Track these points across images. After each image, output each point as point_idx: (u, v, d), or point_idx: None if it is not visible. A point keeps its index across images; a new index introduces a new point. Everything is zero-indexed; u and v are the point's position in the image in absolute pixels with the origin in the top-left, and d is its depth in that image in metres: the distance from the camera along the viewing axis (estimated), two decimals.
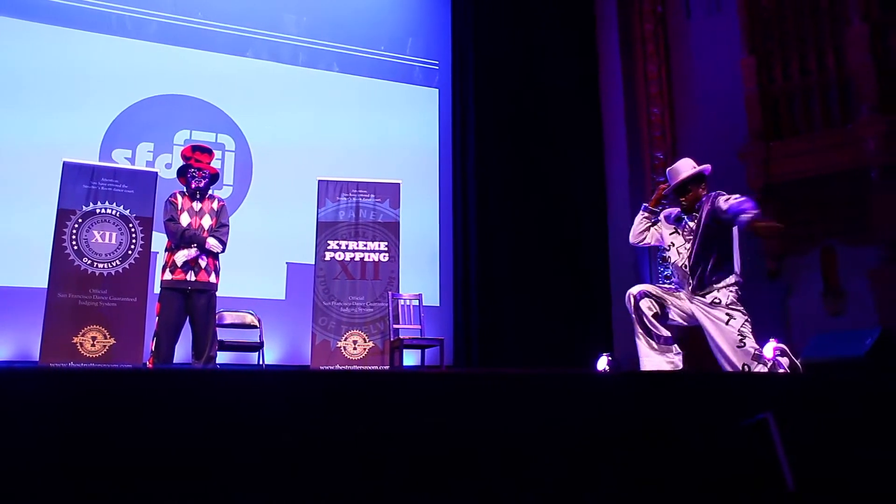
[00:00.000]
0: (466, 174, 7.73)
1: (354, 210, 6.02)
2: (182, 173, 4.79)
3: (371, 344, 5.80)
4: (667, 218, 3.93)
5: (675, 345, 3.84)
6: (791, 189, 6.44)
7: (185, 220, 4.64)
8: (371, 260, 5.95)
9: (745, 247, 3.75)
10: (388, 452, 1.77)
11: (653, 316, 3.76)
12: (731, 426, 2.01)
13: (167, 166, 6.49)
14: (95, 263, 5.08)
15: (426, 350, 6.04)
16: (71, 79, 6.39)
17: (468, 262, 7.48)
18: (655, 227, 3.96)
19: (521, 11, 8.04)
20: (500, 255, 7.49)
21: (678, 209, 3.88)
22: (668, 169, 3.95)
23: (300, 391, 1.84)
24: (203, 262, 4.60)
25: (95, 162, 5.76)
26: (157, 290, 4.76)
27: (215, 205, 4.77)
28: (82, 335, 4.94)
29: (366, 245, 5.97)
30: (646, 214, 3.97)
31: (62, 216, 5.08)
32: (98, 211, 5.18)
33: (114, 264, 5.14)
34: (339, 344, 5.73)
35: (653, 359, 3.75)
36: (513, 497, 1.82)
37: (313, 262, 5.93)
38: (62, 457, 1.49)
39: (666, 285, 4.02)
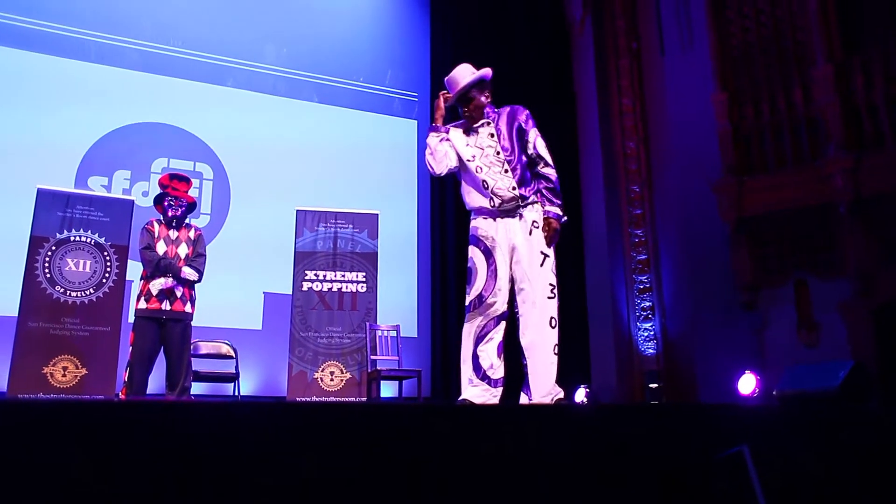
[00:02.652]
0: (445, 205, 7.77)
1: (332, 240, 6.01)
2: (159, 201, 4.75)
3: (348, 375, 5.75)
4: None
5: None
6: (763, 223, 6.56)
7: (161, 248, 4.60)
8: (349, 290, 5.93)
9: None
10: (365, 484, 1.75)
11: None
12: (707, 458, 2.02)
13: (144, 194, 6.45)
14: (68, 292, 5.01)
15: (404, 381, 6.00)
16: (48, 105, 6.35)
17: (446, 294, 7.48)
18: (448, 144, 3.43)
19: (499, 45, 8.17)
20: None
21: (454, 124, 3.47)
22: (445, 79, 3.49)
23: (276, 423, 1.82)
24: (179, 292, 4.55)
25: (71, 189, 5.70)
26: (131, 319, 4.70)
27: (192, 234, 4.74)
28: (53, 365, 4.85)
29: (343, 275, 5.95)
30: (439, 135, 3.41)
31: (35, 244, 5.02)
32: (72, 238, 5.12)
33: (87, 293, 5.07)
34: (316, 375, 5.68)
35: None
36: None
37: (291, 292, 5.90)
38: (27, 492, 1.45)
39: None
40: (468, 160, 3.38)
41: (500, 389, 3.28)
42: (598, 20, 8.29)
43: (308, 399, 5.54)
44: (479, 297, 3.27)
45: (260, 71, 7.35)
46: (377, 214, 6.20)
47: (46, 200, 5.12)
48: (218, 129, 7.00)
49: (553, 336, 3.24)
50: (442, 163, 3.40)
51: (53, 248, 5.05)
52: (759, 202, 6.53)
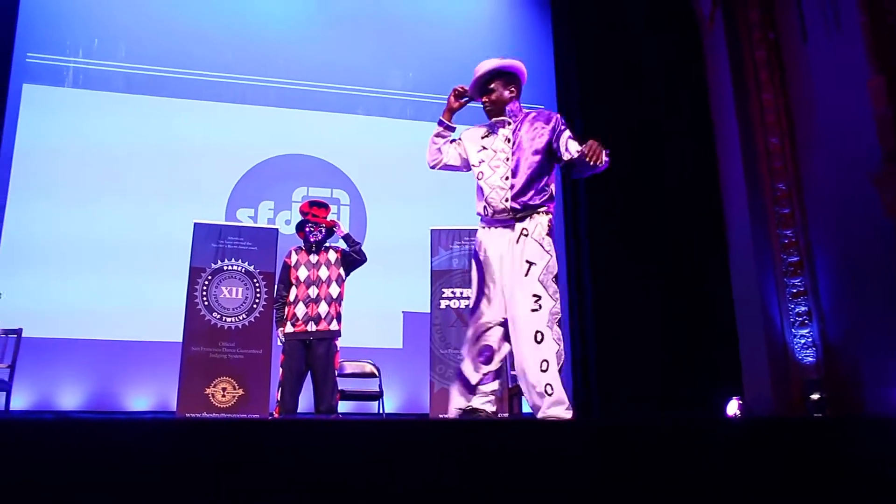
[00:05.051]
0: (578, 217, 7.65)
1: (467, 257, 6.06)
2: (300, 228, 4.99)
3: None
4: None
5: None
6: None
7: (302, 273, 4.81)
8: None
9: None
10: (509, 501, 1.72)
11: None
12: (892, 478, 1.83)
13: (287, 222, 6.81)
14: (224, 318, 5.36)
15: None
16: (200, 146, 6.89)
17: (584, 307, 7.33)
18: (455, 144, 3.34)
19: (625, 51, 7.97)
20: (617, 297, 7.29)
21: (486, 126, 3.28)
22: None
23: (422, 441, 1.83)
24: (324, 311, 4.72)
25: (222, 222, 6.12)
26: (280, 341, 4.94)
27: (331, 256, 4.91)
28: (214, 386, 5.19)
29: None
30: (439, 129, 3.31)
31: (194, 274, 5.41)
32: (226, 268, 5.47)
33: (241, 318, 5.39)
34: None
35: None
36: None
37: (429, 311, 5.98)
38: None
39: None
40: (474, 165, 3.25)
41: (487, 388, 3.21)
42: (730, 13, 7.87)
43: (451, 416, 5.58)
44: (472, 308, 3.20)
45: (388, 97, 7.59)
46: None
47: (202, 233, 5.52)
48: (352, 155, 7.29)
49: (540, 352, 2.97)
50: (434, 158, 3.36)
51: (210, 277, 5.42)
52: None
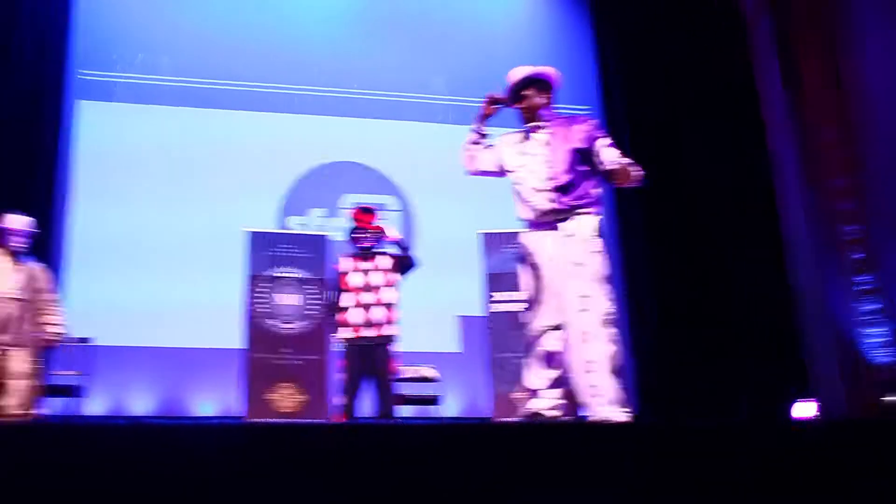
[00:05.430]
0: (630, 219, 7.54)
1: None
2: (350, 234, 5.01)
3: None
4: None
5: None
6: None
7: (355, 279, 4.80)
8: None
9: None
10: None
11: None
12: None
13: (337, 229, 6.89)
14: (281, 324, 5.45)
15: None
16: (250, 155, 7.01)
17: (640, 305, 7.22)
18: (490, 150, 3.37)
19: (669, 49, 7.82)
20: (675, 294, 7.16)
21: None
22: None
23: (482, 444, 1.82)
24: (377, 316, 4.72)
25: (276, 230, 6.23)
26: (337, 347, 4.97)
27: (383, 261, 4.88)
28: (278, 392, 5.27)
29: None
30: (474, 136, 3.37)
31: (250, 281, 5.51)
32: (280, 275, 5.57)
33: (297, 324, 5.47)
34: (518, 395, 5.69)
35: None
36: None
37: (485, 314, 5.97)
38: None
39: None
40: (512, 170, 3.27)
41: (555, 392, 3.18)
42: (778, 7, 7.66)
43: (512, 420, 5.55)
44: (526, 313, 3.20)
45: (431, 102, 7.63)
46: None
47: (258, 241, 5.62)
48: (398, 161, 7.34)
49: (586, 353, 2.98)
50: (470, 163, 3.38)
51: (265, 284, 5.52)
52: None
